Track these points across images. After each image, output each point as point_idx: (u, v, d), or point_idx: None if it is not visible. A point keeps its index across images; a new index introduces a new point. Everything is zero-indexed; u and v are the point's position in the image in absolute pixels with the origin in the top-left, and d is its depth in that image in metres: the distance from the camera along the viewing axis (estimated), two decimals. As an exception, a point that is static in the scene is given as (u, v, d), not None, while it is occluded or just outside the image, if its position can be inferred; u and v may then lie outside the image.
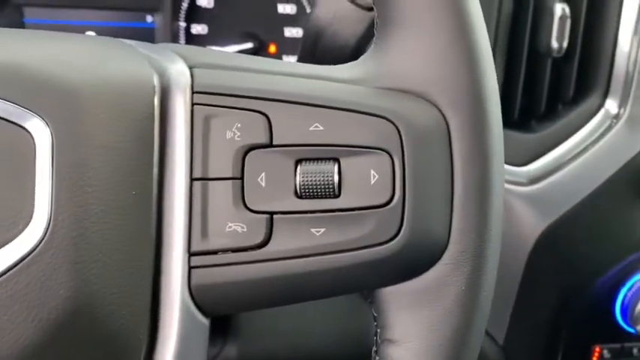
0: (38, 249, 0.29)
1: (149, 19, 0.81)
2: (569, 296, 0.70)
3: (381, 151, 0.32)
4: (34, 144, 0.29)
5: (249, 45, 0.82)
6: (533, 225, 0.67)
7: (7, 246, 0.28)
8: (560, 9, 0.64)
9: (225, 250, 0.32)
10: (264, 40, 0.83)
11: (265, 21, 0.83)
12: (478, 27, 0.33)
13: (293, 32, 0.84)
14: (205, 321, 0.33)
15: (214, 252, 0.32)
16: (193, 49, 0.35)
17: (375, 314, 0.35)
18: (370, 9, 0.53)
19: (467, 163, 0.32)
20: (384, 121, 0.32)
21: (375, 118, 0.32)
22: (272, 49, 0.84)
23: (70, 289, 0.29)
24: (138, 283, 0.31)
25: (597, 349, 0.71)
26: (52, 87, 0.30)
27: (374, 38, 0.36)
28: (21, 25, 0.78)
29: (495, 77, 0.34)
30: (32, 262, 0.28)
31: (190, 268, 0.32)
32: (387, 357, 0.34)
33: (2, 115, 0.29)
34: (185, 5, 0.80)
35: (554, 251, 0.68)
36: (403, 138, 0.32)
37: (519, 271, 0.69)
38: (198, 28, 0.82)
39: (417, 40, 0.33)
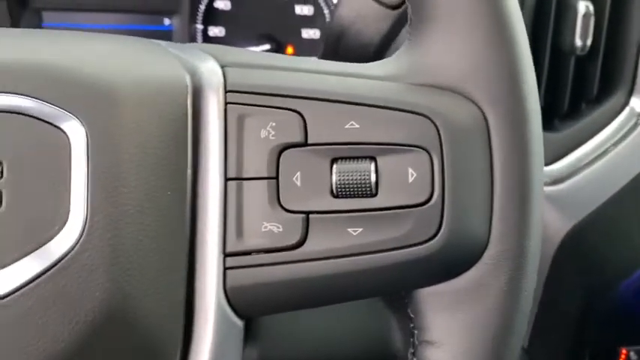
0: (74, 250, 0.28)
1: (166, 21, 0.80)
2: (594, 298, 0.69)
3: (418, 149, 0.32)
4: (70, 144, 0.29)
5: (266, 47, 0.82)
6: (557, 226, 0.66)
7: (43, 247, 0.28)
8: (583, 6, 0.63)
9: (260, 251, 0.32)
10: (281, 41, 0.83)
11: (282, 22, 0.82)
12: (516, 21, 0.33)
13: (310, 33, 0.83)
14: (240, 323, 0.33)
15: (250, 252, 0.32)
16: (223, 49, 0.35)
17: (412, 315, 0.34)
18: (394, 7, 0.52)
19: (507, 160, 0.32)
20: (422, 118, 0.32)
21: (412, 115, 0.32)
22: (289, 50, 0.83)
23: (106, 290, 0.29)
24: (172, 284, 0.31)
25: (624, 351, 0.70)
26: (88, 88, 0.29)
27: (408, 34, 0.35)
28: (39, 28, 0.78)
29: (534, 72, 0.33)
30: (69, 264, 0.28)
31: (225, 269, 0.32)
32: (426, 359, 0.33)
33: (38, 116, 0.29)
34: (202, 8, 0.80)
35: (579, 252, 0.67)
36: (442, 135, 0.32)
37: (543, 272, 0.68)
38: (216, 31, 0.81)
39: (453, 35, 0.33)
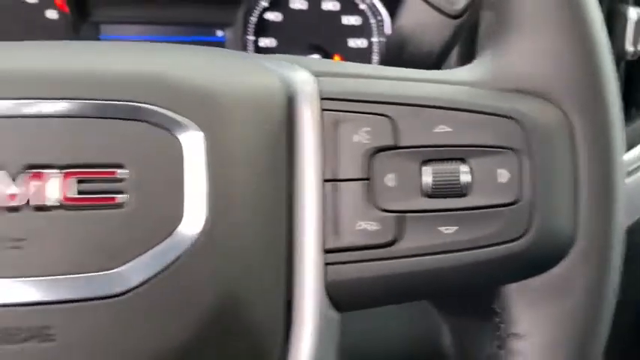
0: (194, 245, 0.30)
1: (219, 33, 0.83)
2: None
3: (508, 150, 0.33)
4: (182, 148, 0.31)
5: (315, 56, 0.84)
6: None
7: (165, 243, 0.30)
8: (635, 13, 0.65)
9: (357, 248, 0.33)
10: (329, 51, 0.85)
11: (330, 33, 0.85)
12: (596, 25, 0.34)
13: (357, 43, 0.85)
14: (338, 316, 0.35)
15: (347, 249, 0.34)
16: (308, 60, 0.37)
17: (499, 310, 0.36)
18: (456, 17, 0.54)
19: (592, 160, 0.33)
20: (511, 120, 0.34)
21: (501, 118, 0.34)
22: (336, 59, 0.85)
23: (221, 285, 0.31)
24: (275, 280, 0.33)
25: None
26: (202, 97, 0.32)
27: (488, 41, 0.37)
28: (97, 40, 0.81)
29: (614, 74, 0.35)
30: (189, 259, 0.30)
31: (325, 264, 0.34)
32: (514, 351, 0.35)
33: (157, 122, 0.31)
34: (254, 20, 0.82)
35: (633, 254, 0.68)
36: (530, 137, 0.33)
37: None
38: (267, 42, 0.84)
39: (537, 41, 0.34)
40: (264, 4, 0.82)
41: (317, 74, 0.35)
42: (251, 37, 0.83)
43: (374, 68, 0.37)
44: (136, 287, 0.29)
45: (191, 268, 0.30)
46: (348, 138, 0.34)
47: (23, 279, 0.29)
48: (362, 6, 0.83)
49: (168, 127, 0.31)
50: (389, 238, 0.33)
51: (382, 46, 0.83)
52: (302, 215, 0.34)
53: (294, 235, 0.34)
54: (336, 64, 0.37)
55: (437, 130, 0.34)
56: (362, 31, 0.85)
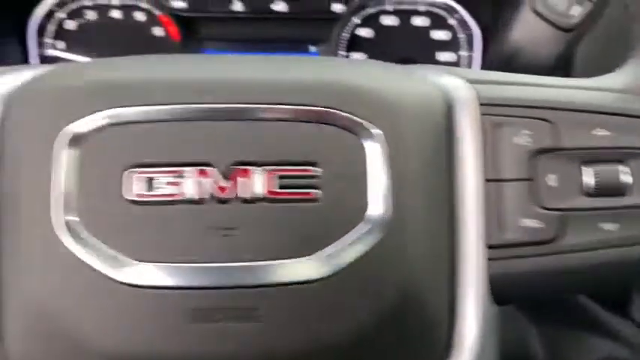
0: (378, 235, 0.33)
1: (312, 49, 0.86)
2: None
3: None
4: (365, 148, 0.34)
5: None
6: None
7: (350, 233, 0.33)
8: None
9: (520, 244, 0.36)
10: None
11: (419, 47, 0.87)
12: None
13: (446, 57, 0.88)
14: (497, 309, 0.37)
15: (510, 245, 0.36)
16: (461, 70, 0.40)
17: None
18: (568, 30, 0.56)
19: None
20: None
21: None
22: (425, 73, 0.88)
23: (403, 268, 0.33)
24: (440, 272, 0.35)
25: None
26: (383, 104, 0.35)
27: (633, 50, 0.39)
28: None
29: None
30: (375, 248, 0.33)
31: (488, 259, 0.36)
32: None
33: (342, 124, 0.34)
34: (346, 36, 0.86)
35: None
36: None
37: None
38: (357, 56, 0.87)
39: None
40: (357, 20, 0.85)
41: (471, 82, 0.38)
42: (343, 53, 0.86)
43: (525, 77, 0.39)
44: (336, 271, 0.32)
45: (379, 253, 0.33)
46: (509, 141, 0.36)
47: (235, 264, 0.32)
48: (451, 21, 0.86)
49: (354, 130, 0.34)
50: (551, 235, 0.35)
51: (471, 60, 0.86)
52: (465, 212, 0.36)
53: (457, 231, 0.36)
54: (489, 73, 0.40)
55: (595, 133, 0.36)
56: (451, 45, 0.87)
